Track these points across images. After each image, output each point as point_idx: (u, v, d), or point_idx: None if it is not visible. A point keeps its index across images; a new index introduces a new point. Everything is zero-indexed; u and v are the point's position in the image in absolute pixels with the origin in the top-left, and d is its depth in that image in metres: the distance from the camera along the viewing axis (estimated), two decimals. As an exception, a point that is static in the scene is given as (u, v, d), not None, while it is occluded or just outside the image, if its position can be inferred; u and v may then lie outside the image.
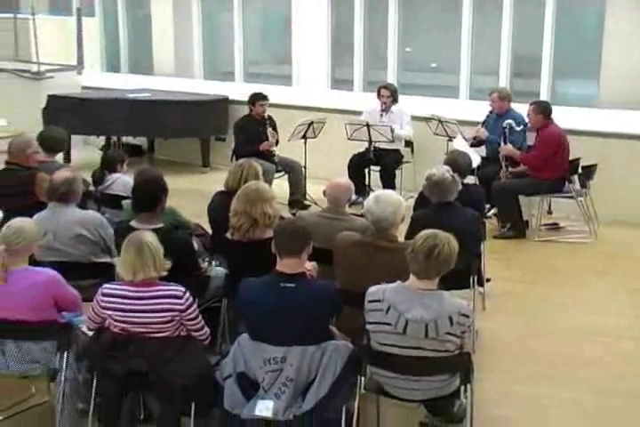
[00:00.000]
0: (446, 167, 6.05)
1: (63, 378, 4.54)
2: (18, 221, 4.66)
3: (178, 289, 4.40)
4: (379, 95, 9.60)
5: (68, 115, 10.99)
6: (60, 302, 4.67)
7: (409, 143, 9.75)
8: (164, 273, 4.42)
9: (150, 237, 4.44)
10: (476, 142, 8.93)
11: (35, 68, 12.58)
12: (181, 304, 4.37)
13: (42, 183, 6.12)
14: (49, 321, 4.63)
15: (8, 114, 12.24)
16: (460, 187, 6.01)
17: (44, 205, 5.69)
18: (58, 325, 4.65)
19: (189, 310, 4.42)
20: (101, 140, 11.86)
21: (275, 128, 9.52)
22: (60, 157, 7.48)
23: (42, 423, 4.76)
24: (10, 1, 14.58)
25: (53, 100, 11.47)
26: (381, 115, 9.53)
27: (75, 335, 4.64)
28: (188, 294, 4.41)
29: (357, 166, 9.43)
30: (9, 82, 12.40)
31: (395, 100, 9.57)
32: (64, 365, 4.53)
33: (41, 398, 5.02)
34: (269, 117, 9.54)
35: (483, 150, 8.95)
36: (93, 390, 4.50)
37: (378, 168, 9.47)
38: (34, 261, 4.81)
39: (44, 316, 4.61)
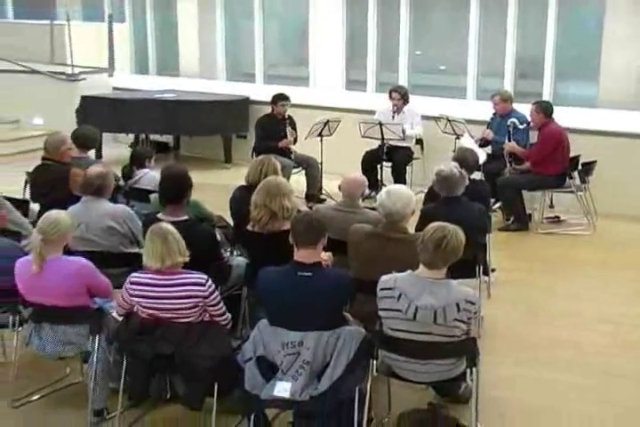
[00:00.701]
0: (454, 163, 6.04)
1: (95, 359, 4.58)
2: (53, 214, 4.69)
3: (201, 277, 4.41)
4: (390, 97, 9.59)
5: (99, 114, 11.03)
6: (92, 288, 4.69)
7: (419, 141, 9.74)
8: (187, 259, 4.43)
9: (171, 227, 4.47)
10: (483, 143, 8.93)
11: (69, 70, 12.62)
12: (204, 291, 4.38)
13: (75, 178, 6.15)
14: (82, 307, 4.66)
15: (44, 113, 12.29)
16: (467, 182, 5.99)
17: (78, 198, 5.70)
18: (90, 310, 4.69)
19: (212, 297, 4.43)
20: (130, 137, 11.89)
21: (294, 127, 9.53)
22: (92, 153, 7.49)
23: (76, 401, 4.78)
24: (47, 8, 14.63)
25: (86, 100, 11.50)
26: (393, 116, 9.52)
27: (106, 320, 4.67)
28: (210, 281, 4.42)
29: (370, 162, 9.42)
30: (45, 83, 12.44)
31: (405, 102, 9.56)
32: (96, 347, 4.58)
33: (75, 378, 5.08)
34: (289, 117, 9.55)
35: (489, 149, 8.93)
36: (123, 370, 4.52)
37: (389, 164, 9.47)
38: (68, 251, 4.83)
39: (78, 302, 4.64)
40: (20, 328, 4.79)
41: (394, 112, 9.54)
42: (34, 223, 5.31)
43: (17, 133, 12.23)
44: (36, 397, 4.91)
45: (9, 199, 6.09)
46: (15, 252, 4.92)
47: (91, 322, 4.61)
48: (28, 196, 6.81)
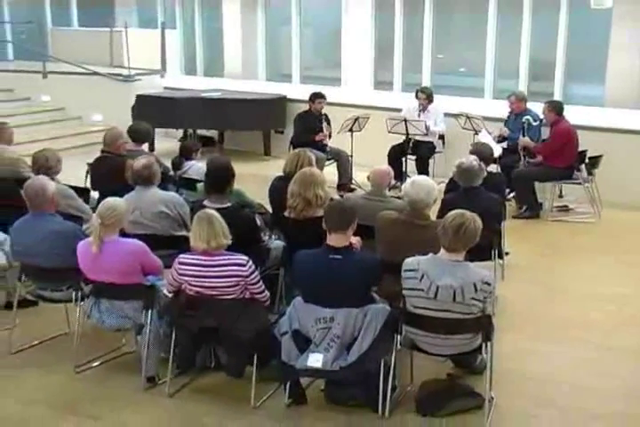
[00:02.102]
0: (474, 157, 5.98)
1: (148, 331, 4.60)
2: (111, 200, 4.71)
3: (242, 258, 4.40)
4: (417, 97, 9.51)
5: (152, 111, 11.05)
6: (145, 267, 4.71)
7: (441, 136, 9.65)
8: (230, 241, 4.42)
9: (215, 212, 4.47)
10: (500, 139, 8.84)
11: (126, 72, 12.67)
12: (245, 271, 4.37)
13: (130, 168, 6.15)
14: (136, 284, 4.68)
15: (103, 110, 12.36)
16: (485, 174, 5.93)
17: (132, 186, 5.71)
18: (143, 287, 4.70)
19: (252, 276, 4.42)
20: (179, 132, 11.91)
21: (329, 123, 9.49)
22: (145, 146, 7.49)
23: (130, 368, 4.81)
24: (107, 17, 14.71)
25: (140, 99, 11.52)
26: (419, 114, 9.44)
27: (157, 296, 4.67)
28: (250, 262, 4.41)
29: (396, 156, 9.35)
30: (105, 84, 12.50)
31: (430, 101, 9.48)
32: (148, 320, 4.60)
33: (130, 348, 5.10)
34: (325, 114, 9.52)
35: (505, 144, 8.84)
36: (172, 342, 4.56)
37: (414, 157, 9.39)
38: (124, 234, 4.86)
39: (132, 279, 4.66)
40: (82, 303, 4.82)
41: (420, 110, 9.46)
42: (94, 209, 5.34)
43: (79, 129, 12.30)
44: (96, 363, 4.94)
45: (72, 187, 6.15)
46: (77, 234, 4.96)
47: (144, 298, 4.63)
48: (88, 184, 6.84)
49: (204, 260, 4.37)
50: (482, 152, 6.51)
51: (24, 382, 4.76)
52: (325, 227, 4.32)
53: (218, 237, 4.36)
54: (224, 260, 4.38)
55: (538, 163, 8.43)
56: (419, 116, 9.38)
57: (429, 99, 9.46)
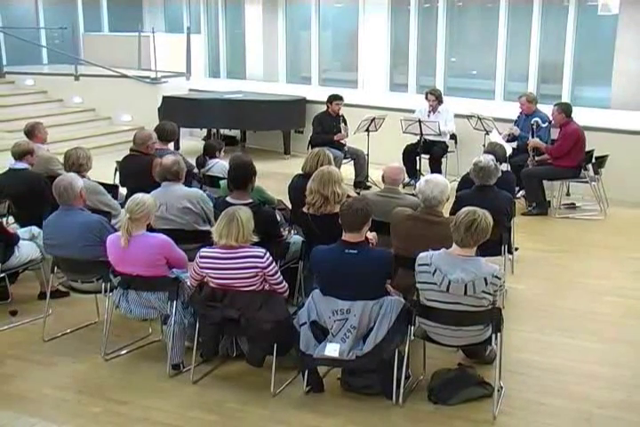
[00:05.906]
0: (491, 157, 5.94)
1: (173, 321, 4.62)
2: (139, 196, 4.73)
3: (259, 250, 4.39)
4: (426, 99, 9.47)
5: (178, 112, 11.06)
6: (170, 260, 4.72)
7: (453, 136, 9.60)
8: (254, 239, 4.39)
9: (243, 214, 4.37)
10: (510, 138, 8.78)
11: (153, 74, 12.70)
12: (263, 262, 4.36)
13: (157, 166, 6.15)
14: (162, 276, 4.70)
15: (131, 111, 12.40)
16: (500, 174, 5.90)
17: (159, 183, 5.71)
18: (169, 279, 4.71)
19: (270, 267, 4.41)
20: (203, 132, 11.93)
21: (346, 124, 9.45)
22: (171, 145, 7.51)
23: (157, 356, 4.83)
24: (136, 22, 14.77)
25: (167, 100, 11.54)
26: (429, 114, 9.40)
27: (182, 288, 4.68)
28: (267, 254, 4.40)
29: (410, 155, 9.32)
30: (133, 86, 12.54)
31: (440, 102, 9.42)
32: (174, 311, 4.61)
33: (156, 337, 5.12)
34: (342, 115, 9.49)
35: (514, 144, 8.79)
36: (196, 331, 4.56)
37: (427, 156, 9.35)
38: (150, 228, 4.87)
39: (158, 272, 4.67)
40: (111, 294, 4.83)
41: (430, 111, 9.42)
42: (122, 205, 5.35)
43: (109, 128, 12.35)
44: (123, 351, 4.96)
45: (102, 184, 6.18)
46: (103, 224, 5.03)
47: (169, 289, 4.64)
48: (117, 181, 6.86)
49: (223, 253, 4.37)
50: (496, 152, 6.48)
51: (56, 367, 4.79)
52: (342, 225, 4.31)
53: (230, 236, 4.32)
54: (242, 252, 4.37)
55: (544, 159, 8.36)
56: (429, 116, 9.35)
57: (439, 100, 9.42)
